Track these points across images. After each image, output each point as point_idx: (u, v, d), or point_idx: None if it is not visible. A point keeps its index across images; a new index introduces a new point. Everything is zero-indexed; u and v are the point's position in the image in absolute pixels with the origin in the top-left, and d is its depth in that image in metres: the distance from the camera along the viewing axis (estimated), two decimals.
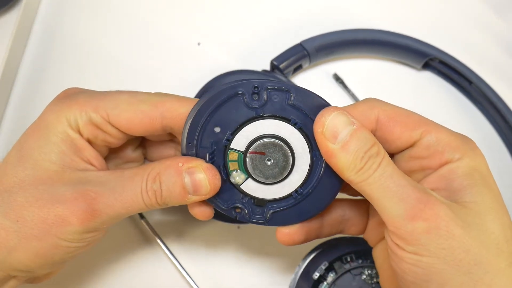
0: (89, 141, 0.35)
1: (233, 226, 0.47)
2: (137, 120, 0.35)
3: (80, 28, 0.54)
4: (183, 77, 0.53)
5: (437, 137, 0.34)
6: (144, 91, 0.36)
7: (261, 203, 0.36)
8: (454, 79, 0.52)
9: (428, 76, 0.53)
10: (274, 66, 0.49)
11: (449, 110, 0.52)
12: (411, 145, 0.35)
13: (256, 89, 0.34)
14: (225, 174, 0.35)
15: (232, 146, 0.35)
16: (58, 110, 0.35)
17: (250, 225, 0.46)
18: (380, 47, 0.52)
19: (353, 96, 0.52)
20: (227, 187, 0.35)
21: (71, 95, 0.36)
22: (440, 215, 0.30)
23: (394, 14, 0.55)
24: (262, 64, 0.51)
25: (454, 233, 0.30)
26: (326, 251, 0.44)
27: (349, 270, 0.43)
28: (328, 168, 0.34)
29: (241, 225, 0.47)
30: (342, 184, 0.35)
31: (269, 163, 0.35)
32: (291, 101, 0.34)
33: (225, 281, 0.47)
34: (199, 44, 0.54)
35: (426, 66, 0.53)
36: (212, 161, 0.35)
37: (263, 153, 0.35)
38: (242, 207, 0.36)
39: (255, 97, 0.34)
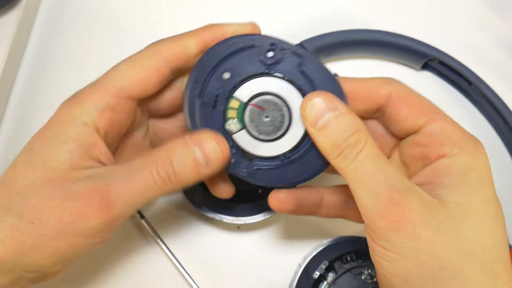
0: (106, 131, 0.35)
1: (233, 226, 0.47)
2: (146, 76, 0.35)
3: (80, 29, 0.54)
4: None
5: (442, 127, 0.34)
6: None
7: (248, 156, 0.36)
8: (453, 79, 0.52)
9: (428, 77, 0.53)
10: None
11: (448, 111, 0.51)
12: (416, 131, 0.35)
13: (272, 45, 0.35)
14: (221, 121, 0.35)
15: (235, 94, 0.35)
16: (67, 109, 0.34)
17: (250, 224, 0.46)
18: (380, 47, 0.52)
19: None
20: (222, 133, 0.35)
21: (76, 93, 0.35)
22: (408, 216, 0.30)
23: (394, 14, 0.55)
24: None
25: (421, 235, 0.30)
26: (326, 250, 0.44)
27: (349, 270, 0.43)
28: None
29: (241, 225, 0.47)
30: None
31: (266, 119, 0.35)
32: (302, 68, 0.35)
33: (225, 281, 0.47)
34: None
35: (426, 66, 0.53)
36: (214, 105, 0.35)
37: (263, 108, 0.35)
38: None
39: (270, 54, 0.35)
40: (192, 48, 0.36)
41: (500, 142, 0.51)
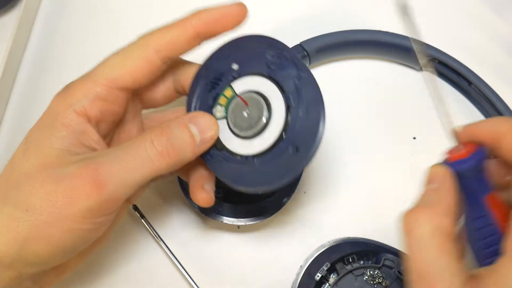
0: (97, 120, 0.35)
1: (233, 226, 0.47)
2: (137, 67, 0.35)
3: (80, 28, 0.54)
4: None
5: None
6: None
7: (219, 145, 0.37)
8: (453, 79, 0.52)
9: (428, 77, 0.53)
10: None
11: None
12: None
13: (279, 51, 0.36)
14: (212, 104, 0.37)
15: (233, 84, 0.37)
16: (60, 99, 0.35)
17: (250, 225, 0.46)
18: (380, 48, 0.52)
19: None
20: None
21: (69, 84, 0.36)
22: None
23: (394, 14, 0.55)
24: None
25: None
26: (328, 252, 0.44)
27: (351, 271, 0.43)
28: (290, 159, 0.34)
29: (241, 225, 0.47)
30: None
31: (245, 114, 0.36)
32: (298, 81, 0.35)
33: (225, 282, 0.47)
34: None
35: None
36: (213, 87, 0.37)
37: (247, 104, 0.36)
38: None
39: (276, 60, 0.36)
40: (181, 37, 0.36)
41: None
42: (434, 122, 0.51)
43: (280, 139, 0.35)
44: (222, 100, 0.37)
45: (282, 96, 0.36)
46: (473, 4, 0.56)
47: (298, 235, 0.47)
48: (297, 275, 0.43)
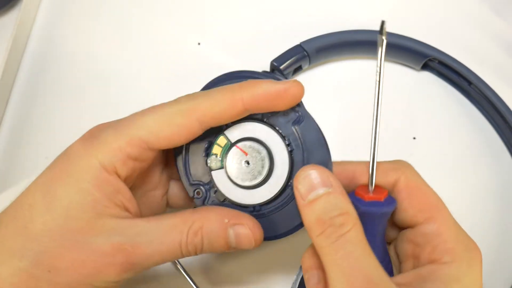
0: (127, 177, 0.34)
1: None
2: (176, 135, 0.33)
3: (80, 28, 0.54)
4: (183, 77, 0.52)
5: (439, 229, 0.32)
6: (164, 101, 0.35)
7: (221, 197, 0.36)
8: (453, 79, 0.52)
9: (428, 77, 0.53)
10: (274, 67, 0.49)
11: (448, 111, 0.52)
12: (413, 226, 0.34)
13: None
14: (206, 153, 0.36)
15: (226, 132, 0.35)
16: (89, 154, 0.33)
17: None
18: None
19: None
20: (202, 165, 0.36)
21: (97, 135, 0.34)
22: None
23: (394, 14, 0.55)
24: (262, 64, 0.51)
25: None
26: None
27: None
28: (293, 204, 0.34)
29: None
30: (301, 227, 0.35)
31: (244, 165, 0.35)
32: (297, 125, 0.35)
33: (225, 282, 0.47)
34: (199, 44, 0.54)
35: (426, 66, 0.53)
36: (203, 136, 0.35)
37: (246, 154, 0.35)
38: (203, 192, 0.36)
39: None
40: (228, 111, 0.33)
41: (500, 142, 0.51)
42: (434, 122, 0.52)
43: (286, 185, 0.35)
44: (216, 149, 0.36)
45: (281, 139, 0.35)
46: (473, 4, 0.56)
47: (299, 235, 0.47)
48: (297, 275, 0.43)
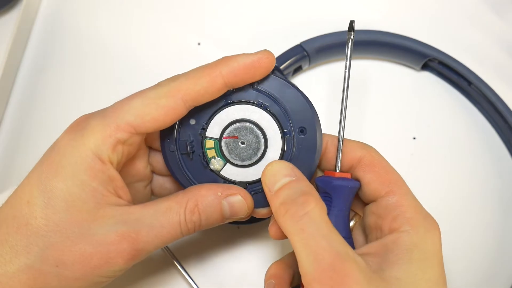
0: (118, 163, 0.34)
1: (234, 226, 0.47)
2: (163, 116, 0.34)
3: (80, 28, 0.54)
4: None
5: (399, 201, 0.34)
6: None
7: (242, 186, 0.37)
8: (453, 79, 0.52)
9: (428, 77, 0.53)
10: (274, 67, 0.49)
11: (448, 111, 0.52)
12: (375, 199, 0.36)
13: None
14: (205, 162, 0.37)
15: (207, 134, 0.37)
16: (80, 145, 0.33)
17: (250, 225, 0.46)
18: (380, 48, 0.52)
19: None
20: (209, 175, 0.37)
21: (84, 125, 0.34)
22: (346, 285, 0.29)
23: (394, 14, 0.55)
24: None
25: None
26: None
27: None
28: (302, 146, 0.36)
29: (241, 226, 0.47)
30: (318, 161, 0.36)
31: (242, 145, 0.36)
32: (255, 86, 0.36)
33: (225, 281, 0.47)
34: (199, 44, 0.54)
35: (426, 67, 0.53)
36: (192, 151, 0.36)
37: (236, 137, 0.36)
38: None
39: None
40: (210, 87, 0.34)
41: (500, 142, 0.51)
42: (434, 122, 0.52)
43: (283, 136, 0.36)
44: (210, 153, 0.37)
45: (255, 105, 0.36)
46: (473, 4, 0.56)
47: None
48: None
